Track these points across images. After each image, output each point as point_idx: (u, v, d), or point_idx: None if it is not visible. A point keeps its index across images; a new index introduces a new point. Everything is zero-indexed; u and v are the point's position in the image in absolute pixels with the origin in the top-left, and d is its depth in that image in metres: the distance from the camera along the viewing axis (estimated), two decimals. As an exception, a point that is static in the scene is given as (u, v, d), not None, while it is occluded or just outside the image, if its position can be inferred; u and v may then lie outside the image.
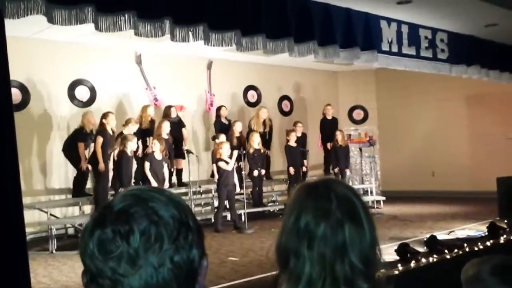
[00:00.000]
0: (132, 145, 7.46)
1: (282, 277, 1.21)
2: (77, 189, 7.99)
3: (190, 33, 5.07)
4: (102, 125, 7.61)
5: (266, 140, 9.77)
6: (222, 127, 9.47)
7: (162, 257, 0.83)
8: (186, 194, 8.45)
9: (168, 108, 8.98)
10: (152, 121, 8.56)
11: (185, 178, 8.83)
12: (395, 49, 7.52)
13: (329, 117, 10.66)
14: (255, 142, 8.98)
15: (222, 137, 8.60)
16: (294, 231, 1.18)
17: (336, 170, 10.00)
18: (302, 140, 10.00)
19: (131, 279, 0.81)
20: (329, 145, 10.29)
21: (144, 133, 8.43)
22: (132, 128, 7.99)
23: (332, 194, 1.18)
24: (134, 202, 0.86)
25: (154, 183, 7.59)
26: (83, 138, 7.87)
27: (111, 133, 7.65)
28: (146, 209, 0.85)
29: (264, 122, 9.76)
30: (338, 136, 10.04)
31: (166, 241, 0.83)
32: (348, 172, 10.38)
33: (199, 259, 0.88)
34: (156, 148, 7.85)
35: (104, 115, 7.67)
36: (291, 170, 9.47)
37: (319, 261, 1.14)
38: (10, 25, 3.95)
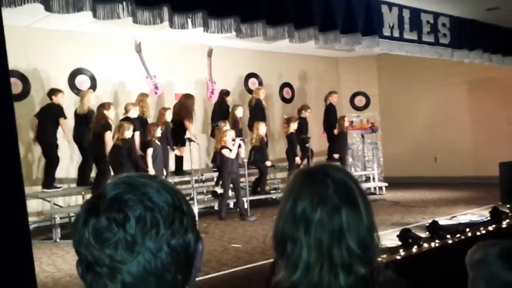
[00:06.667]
0: (128, 134, 7.41)
1: (279, 263, 1.20)
2: (82, 178, 7.98)
3: (189, 20, 5.03)
4: (106, 117, 7.60)
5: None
6: (223, 109, 9.50)
7: (159, 242, 0.83)
8: (188, 182, 8.45)
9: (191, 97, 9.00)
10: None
11: (186, 166, 8.83)
12: (396, 34, 7.45)
13: (335, 104, 10.61)
14: (262, 131, 8.99)
15: (226, 126, 8.57)
16: (291, 217, 1.17)
17: (337, 156, 9.95)
18: (304, 125, 10.02)
19: (130, 266, 0.82)
20: (335, 132, 10.19)
21: (144, 122, 8.41)
22: (134, 112, 7.96)
23: (328, 180, 1.17)
24: (127, 189, 0.85)
25: (151, 170, 7.50)
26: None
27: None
28: (139, 195, 0.85)
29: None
30: (346, 121, 9.98)
31: (162, 226, 0.83)
32: (350, 158, 10.35)
33: (194, 243, 0.89)
34: (158, 134, 7.80)
35: (106, 106, 7.68)
36: (297, 159, 9.46)
37: (316, 246, 1.13)
38: (9, 13, 3.93)
